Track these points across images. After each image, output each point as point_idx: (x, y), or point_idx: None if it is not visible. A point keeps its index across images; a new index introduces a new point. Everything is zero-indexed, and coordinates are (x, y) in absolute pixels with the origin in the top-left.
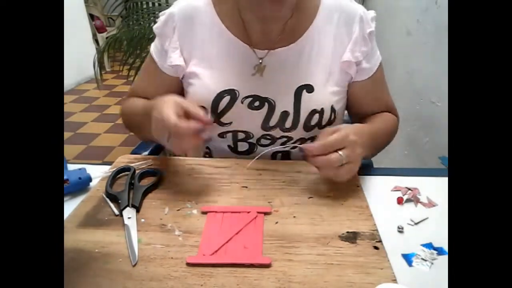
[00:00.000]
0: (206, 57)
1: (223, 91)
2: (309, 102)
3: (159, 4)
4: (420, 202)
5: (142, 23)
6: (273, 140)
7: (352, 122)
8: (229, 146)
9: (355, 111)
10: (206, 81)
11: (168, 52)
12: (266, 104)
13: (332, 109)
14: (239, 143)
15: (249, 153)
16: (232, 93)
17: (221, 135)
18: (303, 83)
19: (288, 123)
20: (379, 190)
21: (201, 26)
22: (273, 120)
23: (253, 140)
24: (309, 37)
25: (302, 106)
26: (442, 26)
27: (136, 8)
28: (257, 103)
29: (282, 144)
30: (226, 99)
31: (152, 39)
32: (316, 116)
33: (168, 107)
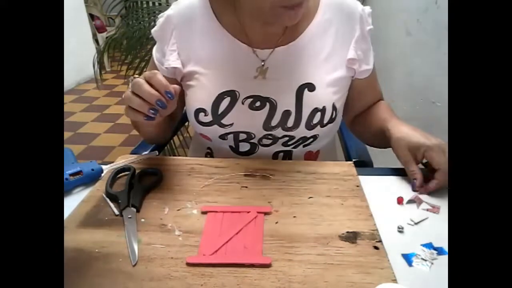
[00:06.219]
0: (205, 58)
1: (223, 92)
2: (310, 101)
3: (159, 4)
4: (426, 203)
5: (141, 22)
6: (275, 139)
7: (344, 117)
8: (230, 146)
9: (354, 105)
10: (206, 83)
11: (166, 54)
12: (268, 104)
13: (334, 107)
14: (241, 144)
15: (250, 153)
16: (232, 94)
17: (222, 137)
18: (304, 82)
19: (290, 122)
20: (379, 190)
21: (199, 27)
22: (275, 120)
23: (254, 140)
24: (308, 35)
25: (304, 105)
26: (442, 26)
27: (135, 8)
28: (258, 103)
29: (284, 142)
30: (227, 100)
31: (151, 38)
32: (318, 114)
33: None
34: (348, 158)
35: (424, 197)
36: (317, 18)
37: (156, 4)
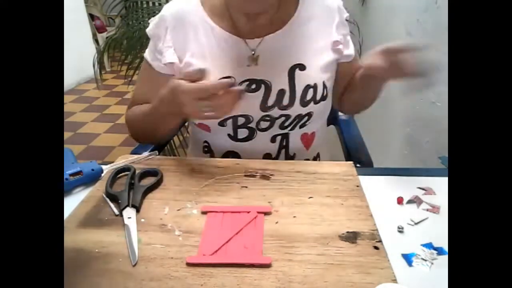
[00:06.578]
0: (199, 53)
1: (219, 79)
2: (302, 78)
3: (159, 4)
4: (426, 203)
5: (141, 22)
6: (272, 121)
7: (333, 98)
8: (229, 134)
9: (339, 85)
10: None
11: (162, 51)
12: (263, 85)
13: (324, 85)
14: (239, 130)
15: (248, 139)
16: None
17: (221, 123)
18: (295, 63)
19: (286, 100)
20: (379, 190)
21: (191, 26)
22: (271, 100)
23: (252, 125)
24: (294, 23)
25: (296, 82)
26: (442, 26)
27: (135, 8)
28: (253, 86)
29: (281, 123)
30: None
31: None
32: (311, 91)
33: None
34: (348, 158)
35: (424, 197)
36: (300, 8)
37: (156, 4)
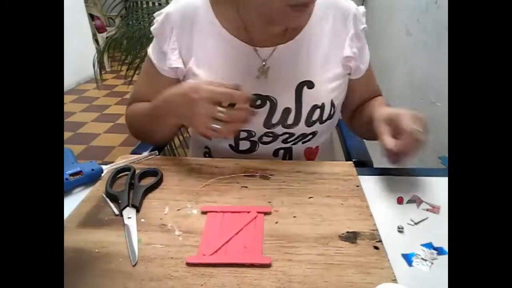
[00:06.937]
0: (205, 58)
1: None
2: (310, 98)
3: (159, 4)
4: (426, 203)
5: (141, 22)
6: (275, 137)
7: (342, 114)
8: (230, 145)
9: (350, 102)
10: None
11: (167, 53)
12: (268, 102)
13: (332, 104)
14: (241, 142)
15: (250, 151)
16: None
17: None
18: (303, 80)
19: (290, 120)
20: (379, 190)
21: (199, 26)
22: (275, 118)
23: (255, 138)
24: (306, 33)
25: (303, 102)
26: (442, 26)
27: (135, 8)
28: (258, 102)
29: (284, 139)
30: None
31: (151, 38)
32: (317, 111)
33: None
34: (348, 158)
35: (424, 197)
36: (313, 16)
37: (156, 4)
